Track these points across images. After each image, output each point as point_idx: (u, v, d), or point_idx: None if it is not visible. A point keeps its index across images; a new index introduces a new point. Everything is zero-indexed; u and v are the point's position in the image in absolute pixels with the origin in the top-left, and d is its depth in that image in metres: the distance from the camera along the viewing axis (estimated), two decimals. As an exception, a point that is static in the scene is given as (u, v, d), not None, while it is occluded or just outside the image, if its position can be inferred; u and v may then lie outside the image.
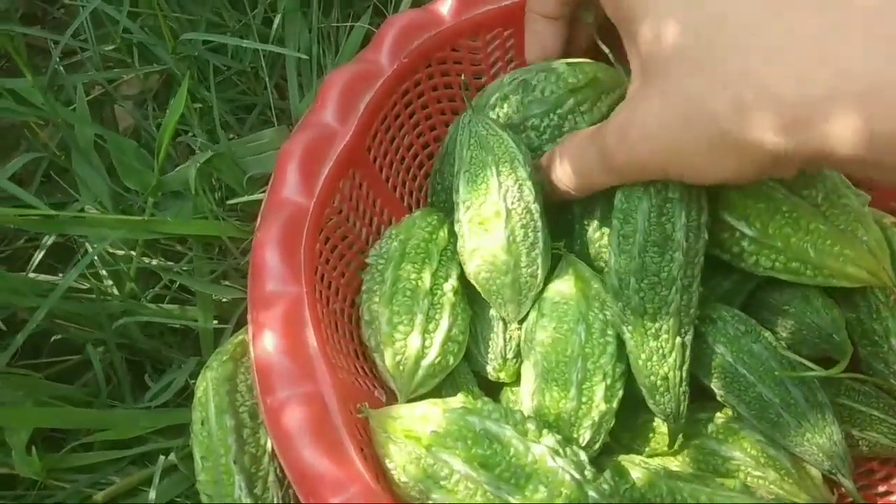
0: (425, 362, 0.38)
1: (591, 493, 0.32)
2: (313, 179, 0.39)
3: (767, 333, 0.40)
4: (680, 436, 0.40)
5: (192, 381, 0.39)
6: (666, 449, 0.41)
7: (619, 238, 0.37)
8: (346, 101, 0.42)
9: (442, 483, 0.32)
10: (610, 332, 0.38)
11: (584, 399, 0.37)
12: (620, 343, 0.38)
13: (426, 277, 0.40)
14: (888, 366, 0.41)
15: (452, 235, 0.42)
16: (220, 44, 0.49)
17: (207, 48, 0.51)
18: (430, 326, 0.39)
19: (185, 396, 0.43)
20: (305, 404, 0.33)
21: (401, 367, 0.38)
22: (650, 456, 0.42)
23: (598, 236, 0.42)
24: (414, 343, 0.38)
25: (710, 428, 0.41)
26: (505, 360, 0.42)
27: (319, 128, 0.41)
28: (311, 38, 0.49)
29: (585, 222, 0.43)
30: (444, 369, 0.39)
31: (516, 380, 0.42)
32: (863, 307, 0.42)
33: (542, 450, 0.33)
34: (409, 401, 0.38)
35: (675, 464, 0.41)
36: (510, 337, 0.42)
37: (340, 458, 0.32)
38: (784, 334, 0.41)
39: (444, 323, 0.39)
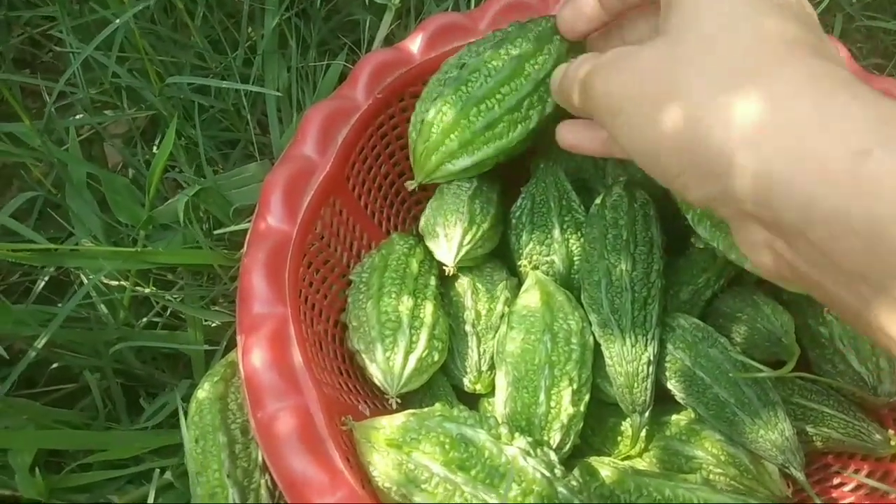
0: (413, 356, 0.40)
1: (561, 490, 0.35)
2: (296, 208, 0.42)
3: (723, 339, 0.43)
4: (644, 436, 0.43)
5: (185, 403, 0.41)
6: (633, 451, 0.44)
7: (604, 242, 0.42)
8: (325, 135, 0.45)
9: (423, 486, 0.35)
10: (574, 340, 0.41)
11: (552, 404, 0.40)
12: (584, 350, 0.41)
13: (409, 283, 0.42)
14: (834, 366, 0.44)
15: (427, 253, 0.45)
16: (203, 84, 0.52)
17: (192, 89, 0.53)
18: (416, 324, 0.41)
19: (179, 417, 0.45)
20: (293, 416, 0.35)
21: (391, 363, 0.40)
22: (620, 458, 0.44)
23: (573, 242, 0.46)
24: (402, 339, 0.40)
25: (674, 429, 0.44)
26: (480, 372, 0.45)
27: (300, 160, 0.43)
28: (289, 77, 0.52)
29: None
30: (430, 365, 0.41)
31: (492, 391, 0.44)
32: (810, 312, 0.45)
33: (514, 451, 0.35)
34: (399, 396, 0.40)
35: (642, 464, 0.44)
36: (484, 350, 0.45)
37: (327, 466, 0.34)
38: (738, 339, 0.44)
39: (429, 321, 0.41)
